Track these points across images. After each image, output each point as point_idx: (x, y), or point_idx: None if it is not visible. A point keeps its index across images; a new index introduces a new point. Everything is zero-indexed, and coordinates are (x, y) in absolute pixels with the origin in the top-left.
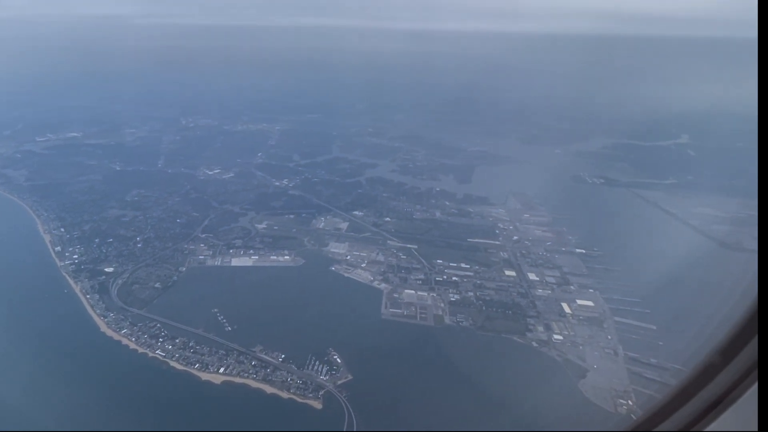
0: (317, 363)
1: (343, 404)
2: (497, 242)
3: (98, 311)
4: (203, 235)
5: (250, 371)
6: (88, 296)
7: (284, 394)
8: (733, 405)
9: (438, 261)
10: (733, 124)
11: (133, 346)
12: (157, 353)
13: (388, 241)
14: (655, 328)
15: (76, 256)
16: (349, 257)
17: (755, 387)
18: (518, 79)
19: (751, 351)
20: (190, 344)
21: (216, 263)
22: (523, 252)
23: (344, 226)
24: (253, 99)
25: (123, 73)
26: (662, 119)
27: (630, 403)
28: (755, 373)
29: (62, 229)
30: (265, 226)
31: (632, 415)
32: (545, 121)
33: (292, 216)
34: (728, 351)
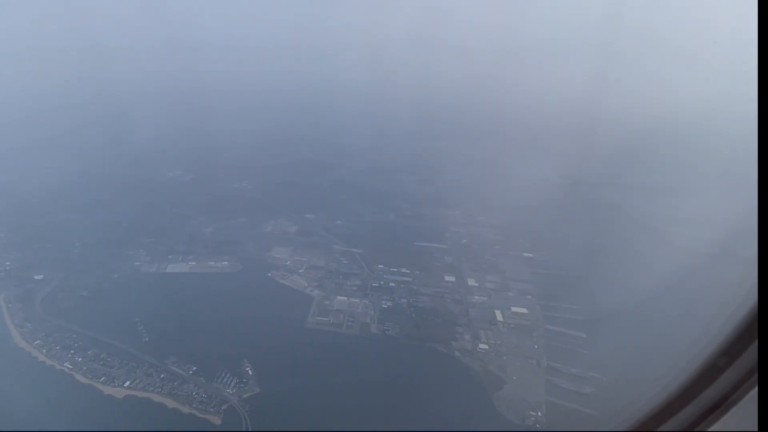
0: (228, 375)
1: (244, 419)
2: (444, 246)
3: (16, 321)
4: (146, 240)
5: (157, 384)
6: (10, 305)
7: (185, 409)
8: (734, 407)
9: (379, 266)
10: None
11: (42, 357)
12: (65, 366)
13: (334, 245)
14: (584, 336)
15: (8, 263)
16: (288, 262)
17: (756, 389)
18: (513, 84)
19: (751, 353)
20: (102, 356)
21: (151, 270)
22: (469, 256)
23: (293, 229)
24: (237, 99)
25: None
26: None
27: (539, 414)
28: (756, 376)
29: (1, 234)
30: (212, 231)
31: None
32: (526, 120)
33: (243, 219)
34: (729, 353)
